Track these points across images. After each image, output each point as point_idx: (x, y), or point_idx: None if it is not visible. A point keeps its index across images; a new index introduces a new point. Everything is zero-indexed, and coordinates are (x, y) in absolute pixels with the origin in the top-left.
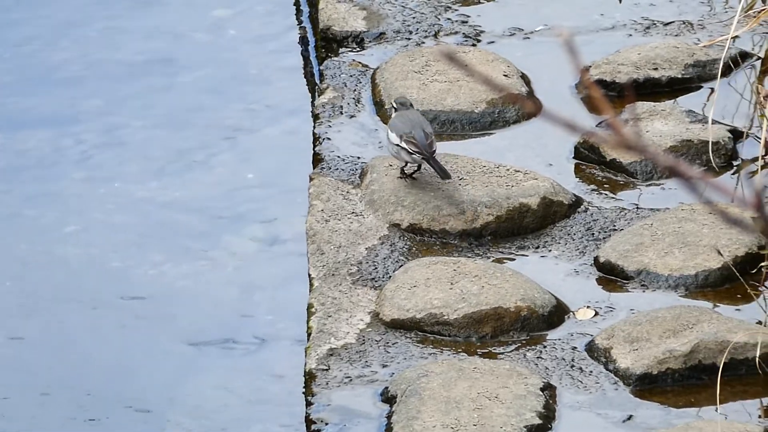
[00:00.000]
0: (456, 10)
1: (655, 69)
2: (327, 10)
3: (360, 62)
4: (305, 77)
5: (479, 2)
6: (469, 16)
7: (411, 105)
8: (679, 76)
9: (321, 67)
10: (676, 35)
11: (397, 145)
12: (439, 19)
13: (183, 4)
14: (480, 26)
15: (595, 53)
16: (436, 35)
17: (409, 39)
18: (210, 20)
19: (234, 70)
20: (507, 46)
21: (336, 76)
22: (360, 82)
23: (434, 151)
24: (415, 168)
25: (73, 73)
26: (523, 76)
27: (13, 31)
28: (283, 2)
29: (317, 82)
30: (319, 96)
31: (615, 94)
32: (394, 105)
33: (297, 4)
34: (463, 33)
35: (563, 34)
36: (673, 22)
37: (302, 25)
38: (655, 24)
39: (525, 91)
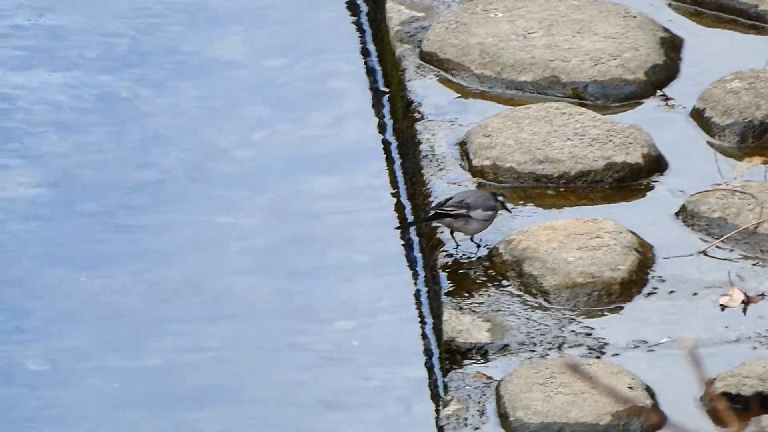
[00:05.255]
0: (580, 322)
1: None
2: (451, 322)
3: (484, 374)
4: (429, 388)
5: (603, 314)
6: (593, 329)
7: (498, 194)
8: None
9: (445, 379)
10: None
11: None
12: (563, 332)
13: (300, 315)
14: (604, 338)
15: (720, 366)
16: (560, 347)
17: (533, 351)
18: (334, 332)
19: (352, 379)
20: (631, 358)
21: (460, 388)
22: (484, 395)
23: (442, 211)
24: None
25: None
26: (648, 388)
27: None
28: (408, 316)
29: (441, 393)
30: (443, 408)
31: (740, 406)
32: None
33: (421, 316)
34: (587, 345)
35: (687, 346)
36: None
37: (425, 336)
38: None
39: (649, 403)
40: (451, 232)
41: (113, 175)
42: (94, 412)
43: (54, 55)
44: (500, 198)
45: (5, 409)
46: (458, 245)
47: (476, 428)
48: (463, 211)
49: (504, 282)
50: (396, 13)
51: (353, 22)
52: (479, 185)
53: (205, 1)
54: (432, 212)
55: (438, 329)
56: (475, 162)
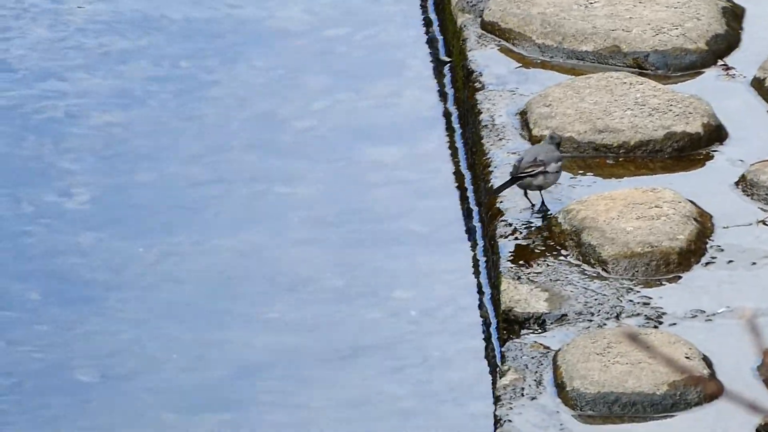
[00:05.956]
0: (638, 291)
1: None
2: (509, 291)
3: (541, 344)
4: (486, 358)
5: (661, 284)
6: (651, 298)
7: (556, 140)
8: None
9: (503, 349)
10: None
11: None
12: (621, 301)
13: (362, 289)
14: (662, 308)
15: None
16: (617, 317)
17: (591, 321)
18: (392, 301)
19: (411, 348)
20: (689, 328)
21: (517, 358)
22: (541, 364)
23: (524, 173)
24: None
25: None
26: (705, 358)
27: None
28: (467, 286)
29: (498, 363)
30: (500, 378)
31: None
32: (547, 137)
33: (479, 286)
34: (645, 315)
35: (745, 315)
36: None
37: (483, 306)
38: None
39: (707, 372)
40: (525, 193)
41: (173, 146)
42: (153, 378)
43: (114, 32)
44: (553, 137)
45: (71, 368)
46: (533, 204)
47: (533, 398)
48: (540, 168)
49: (562, 252)
50: None
51: None
52: (532, 142)
53: None
54: (511, 177)
55: (496, 299)
56: (535, 131)
